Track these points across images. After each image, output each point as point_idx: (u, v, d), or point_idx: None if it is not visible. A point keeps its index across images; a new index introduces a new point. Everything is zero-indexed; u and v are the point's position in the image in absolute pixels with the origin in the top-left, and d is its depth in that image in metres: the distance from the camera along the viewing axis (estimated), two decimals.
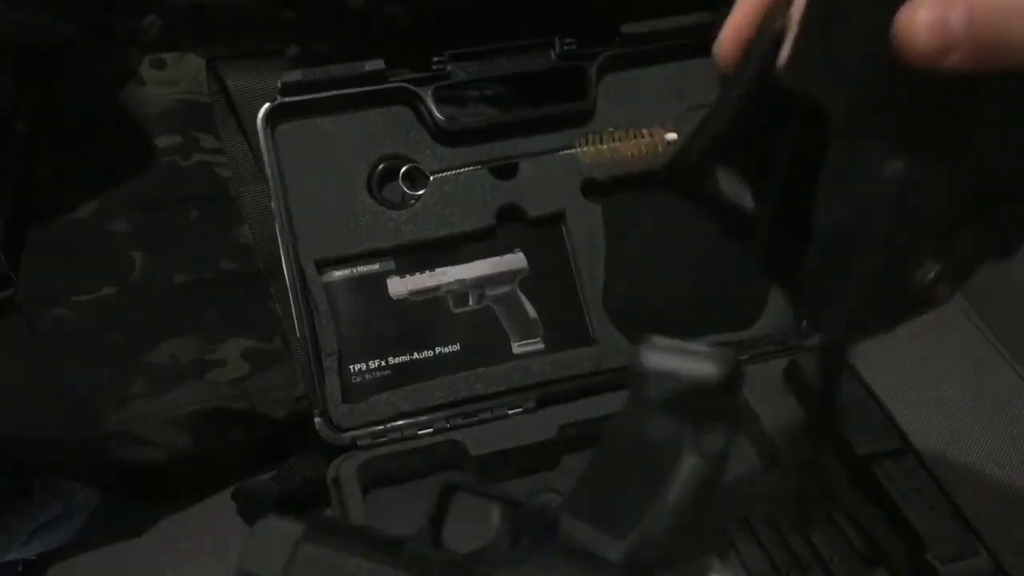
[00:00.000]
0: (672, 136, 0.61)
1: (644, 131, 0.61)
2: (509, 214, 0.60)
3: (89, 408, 0.55)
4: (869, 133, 0.26)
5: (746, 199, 0.32)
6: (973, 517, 0.50)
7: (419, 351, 0.58)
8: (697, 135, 0.31)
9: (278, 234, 0.56)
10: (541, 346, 0.59)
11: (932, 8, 0.23)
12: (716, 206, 0.33)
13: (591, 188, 0.60)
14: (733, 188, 0.33)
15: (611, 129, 0.61)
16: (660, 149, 0.60)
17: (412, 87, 0.58)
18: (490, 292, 0.59)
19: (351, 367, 0.57)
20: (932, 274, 0.26)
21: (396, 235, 0.58)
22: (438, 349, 0.58)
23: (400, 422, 0.56)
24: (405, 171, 0.59)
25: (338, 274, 0.58)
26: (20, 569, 0.57)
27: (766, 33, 0.29)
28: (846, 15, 0.26)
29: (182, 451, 0.57)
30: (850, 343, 0.30)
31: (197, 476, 0.60)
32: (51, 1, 0.56)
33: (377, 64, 0.58)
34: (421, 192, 0.59)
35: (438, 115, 0.58)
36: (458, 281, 0.59)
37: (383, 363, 0.58)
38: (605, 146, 0.60)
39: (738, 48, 0.30)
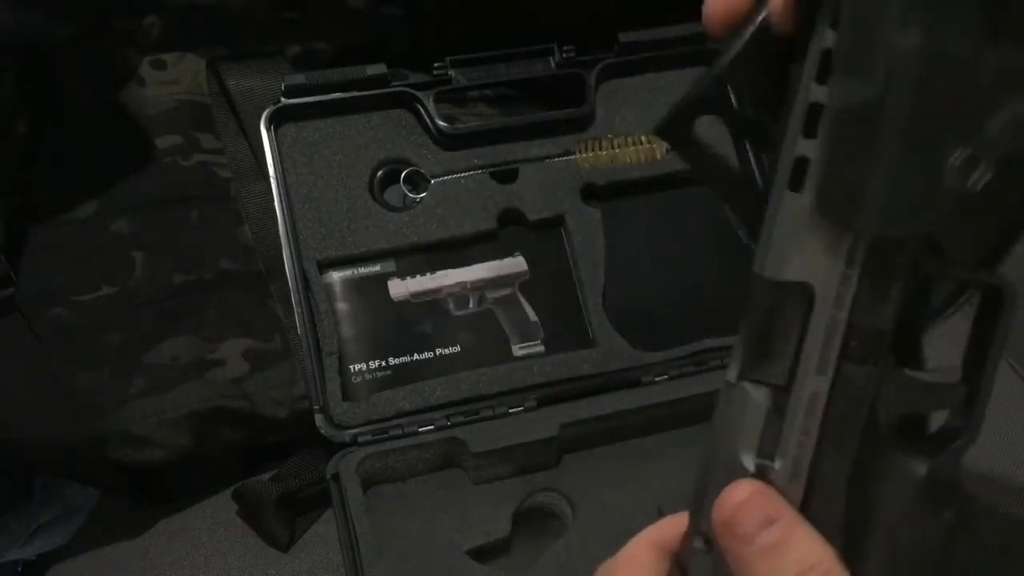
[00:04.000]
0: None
1: (642, 138, 0.62)
2: (510, 218, 0.61)
3: (89, 408, 0.55)
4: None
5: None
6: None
7: (419, 352, 0.59)
8: (689, 95, 0.30)
9: (281, 235, 0.57)
10: (541, 348, 0.60)
11: None
12: (710, 162, 0.32)
13: (590, 193, 0.62)
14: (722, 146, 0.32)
15: (610, 135, 0.62)
16: (658, 156, 0.62)
17: (414, 92, 0.59)
18: (491, 295, 0.60)
19: (351, 367, 0.58)
20: (964, 156, 0.24)
21: (397, 237, 0.59)
22: (438, 351, 0.59)
23: (401, 419, 0.56)
24: (406, 174, 0.60)
25: (339, 275, 0.59)
26: (20, 569, 0.57)
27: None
28: None
29: (182, 451, 0.57)
30: (891, 235, 0.26)
31: (197, 476, 0.60)
32: (51, 1, 0.56)
33: (379, 68, 0.59)
34: (422, 195, 0.60)
35: (439, 120, 0.59)
36: (459, 284, 0.60)
37: (383, 363, 0.58)
38: (604, 152, 0.62)
39: (727, 15, 0.28)
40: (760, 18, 0.27)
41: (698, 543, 0.29)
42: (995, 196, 0.25)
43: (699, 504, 0.29)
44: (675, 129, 0.30)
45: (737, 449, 0.28)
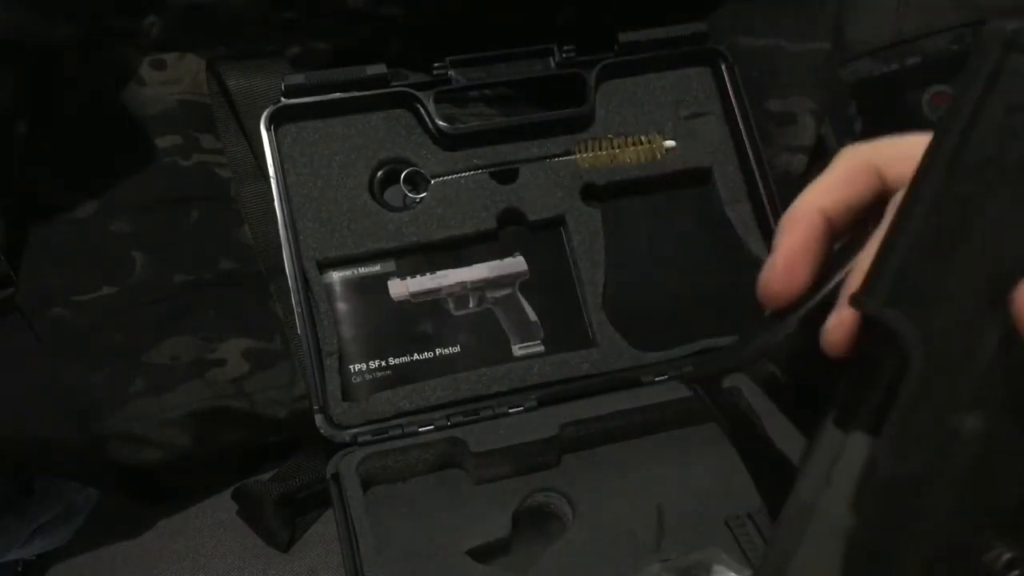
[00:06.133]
0: (670, 143, 0.62)
1: (642, 137, 0.62)
2: (510, 218, 0.61)
3: (89, 408, 0.55)
4: (955, 381, 0.23)
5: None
6: None
7: (419, 352, 0.59)
8: (731, 354, 0.28)
9: (281, 235, 0.57)
10: (541, 348, 0.60)
11: None
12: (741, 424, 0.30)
13: (590, 193, 0.62)
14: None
15: (610, 135, 0.62)
16: (658, 155, 0.62)
17: (414, 91, 0.59)
18: (491, 295, 0.60)
19: (351, 367, 0.58)
20: (1005, 558, 0.23)
21: (397, 237, 0.59)
22: (438, 351, 0.59)
23: (400, 419, 0.56)
24: (406, 174, 0.60)
25: (339, 275, 0.59)
26: (20, 569, 0.57)
27: (835, 272, 0.26)
28: (965, 257, 0.23)
29: (182, 451, 0.57)
30: None
31: (197, 476, 0.60)
32: (51, 1, 0.56)
33: (379, 68, 0.59)
34: (422, 195, 0.60)
35: (439, 120, 0.59)
36: (459, 284, 0.60)
37: (383, 364, 0.58)
38: (604, 152, 0.62)
39: (792, 283, 0.26)
40: (813, 303, 0.26)
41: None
42: None
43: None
44: (706, 380, 0.29)
45: None
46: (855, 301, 0.24)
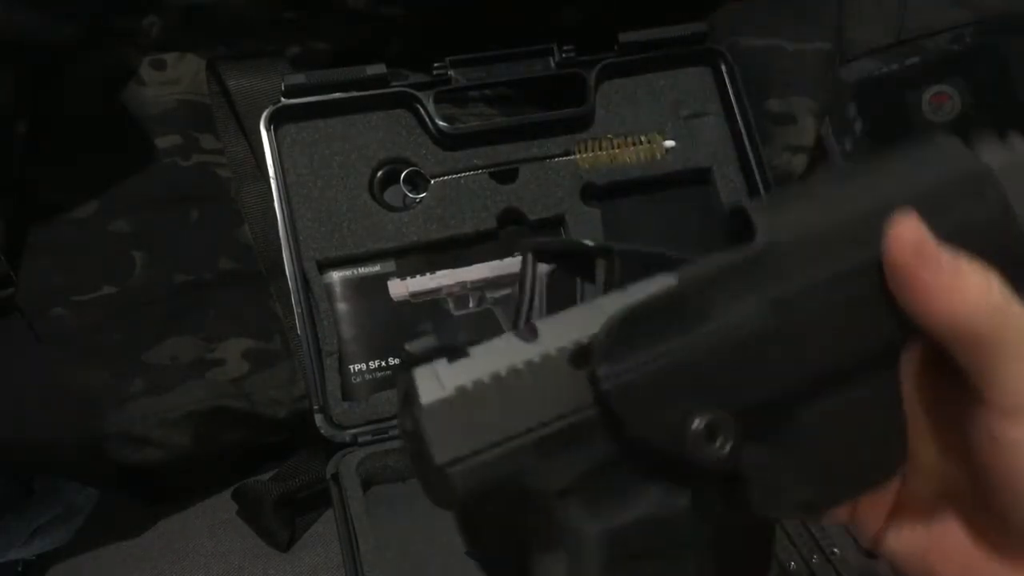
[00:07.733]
0: (670, 143, 0.62)
1: (642, 137, 0.62)
2: (509, 218, 0.61)
3: (89, 408, 0.55)
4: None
5: None
6: None
7: None
8: None
9: (280, 235, 0.57)
10: None
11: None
12: None
13: (590, 192, 0.62)
14: None
15: (610, 135, 0.62)
16: (658, 155, 0.62)
17: (414, 92, 0.59)
18: (490, 295, 0.60)
19: (351, 367, 0.58)
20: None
21: (397, 237, 0.59)
22: None
23: None
24: (406, 174, 0.60)
25: (339, 275, 0.59)
26: (20, 569, 0.57)
27: None
28: None
29: (182, 451, 0.57)
30: None
31: (197, 476, 0.60)
32: (51, 1, 0.56)
33: (379, 68, 0.59)
34: (422, 195, 0.60)
35: (439, 120, 0.59)
36: (459, 284, 0.60)
37: (383, 364, 0.58)
38: (604, 152, 0.62)
39: None
40: None
41: None
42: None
43: None
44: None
45: None
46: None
